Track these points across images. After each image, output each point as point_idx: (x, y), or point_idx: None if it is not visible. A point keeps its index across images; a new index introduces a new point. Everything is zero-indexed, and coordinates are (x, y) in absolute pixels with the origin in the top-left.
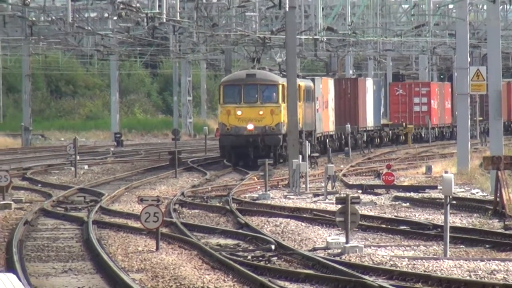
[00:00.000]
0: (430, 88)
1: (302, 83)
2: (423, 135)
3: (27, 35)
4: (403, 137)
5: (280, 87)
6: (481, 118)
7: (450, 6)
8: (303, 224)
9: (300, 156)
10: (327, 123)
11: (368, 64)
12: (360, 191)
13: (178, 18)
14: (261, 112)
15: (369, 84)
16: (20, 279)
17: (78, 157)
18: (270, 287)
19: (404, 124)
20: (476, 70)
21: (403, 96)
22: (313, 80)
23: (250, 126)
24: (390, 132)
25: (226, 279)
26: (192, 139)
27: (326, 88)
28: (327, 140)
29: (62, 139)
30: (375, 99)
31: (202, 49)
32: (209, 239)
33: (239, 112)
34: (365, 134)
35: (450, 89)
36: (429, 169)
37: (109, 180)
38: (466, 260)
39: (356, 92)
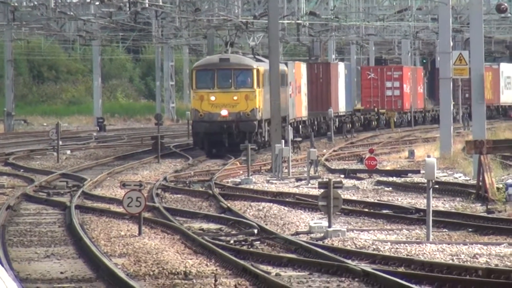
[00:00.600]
0: (402, 72)
1: None
2: (395, 120)
3: (9, 21)
4: (375, 123)
5: (255, 71)
6: (452, 103)
7: None
8: (285, 208)
9: (283, 140)
10: (300, 108)
11: (351, 49)
12: (342, 176)
13: (161, 3)
14: (235, 98)
15: (341, 68)
16: (2, 264)
17: (60, 142)
18: (253, 271)
19: (376, 109)
20: (458, 54)
21: (375, 80)
22: (286, 65)
23: (224, 112)
24: (362, 117)
25: (208, 264)
26: (174, 124)
27: (299, 72)
28: (300, 126)
29: (45, 124)
30: (347, 84)
31: (184, 34)
32: (192, 224)
33: (212, 98)
34: (337, 119)
35: (422, 73)
36: (411, 153)
37: (91, 165)
38: (448, 244)
39: (328, 77)
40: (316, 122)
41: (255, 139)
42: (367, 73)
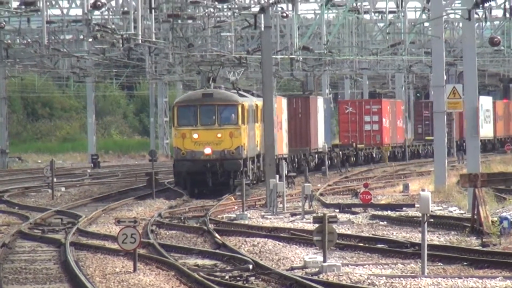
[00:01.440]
0: (381, 105)
1: (259, 102)
2: (374, 156)
3: (3, 58)
4: (353, 158)
5: (240, 107)
6: (432, 138)
7: (426, 24)
8: (280, 243)
9: (277, 175)
10: (281, 145)
11: (345, 83)
12: (337, 210)
13: (154, 39)
14: (219, 135)
15: (320, 103)
16: None
17: (55, 179)
18: None
19: (354, 144)
20: (452, 88)
21: (353, 115)
22: None
23: (208, 150)
24: (340, 153)
25: None
26: (169, 160)
27: (280, 107)
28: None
29: (39, 161)
30: (326, 119)
31: (178, 70)
32: (187, 260)
33: (195, 135)
34: (316, 156)
35: (402, 107)
36: (406, 187)
37: (86, 202)
38: (444, 278)
39: (307, 112)
40: (296, 159)
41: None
42: (345, 107)
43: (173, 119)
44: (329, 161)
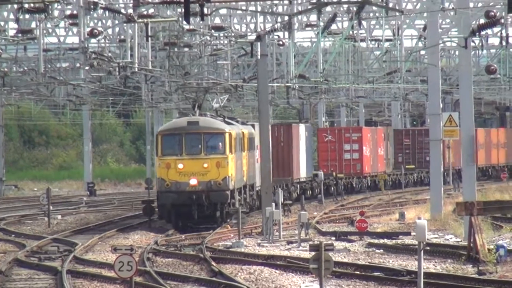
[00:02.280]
0: (362, 133)
1: (245, 130)
2: (354, 185)
3: None
4: (334, 188)
5: (227, 136)
6: (413, 166)
7: (422, 52)
8: (277, 271)
9: (274, 203)
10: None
11: (341, 111)
12: (333, 238)
13: (150, 67)
14: (205, 165)
15: (302, 130)
16: None
17: (51, 207)
18: None
19: (334, 173)
20: (448, 116)
21: (332, 143)
22: (253, 127)
23: (193, 181)
24: (321, 182)
25: None
26: None
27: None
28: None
29: (36, 189)
30: (307, 148)
31: (174, 98)
32: None
33: (180, 166)
34: (298, 186)
35: (382, 135)
36: (402, 215)
37: (82, 229)
38: None
39: (290, 140)
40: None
41: (228, 211)
42: (324, 135)
43: (157, 148)
44: (310, 191)
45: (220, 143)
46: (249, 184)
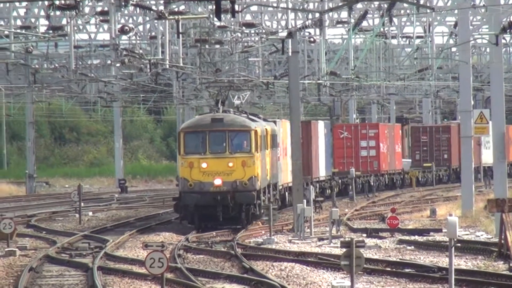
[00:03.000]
0: (378, 130)
1: (268, 127)
2: (371, 183)
3: (30, 83)
4: (352, 187)
5: (253, 133)
6: (430, 164)
7: (453, 49)
8: (308, 268)
9: (305, 200)
10: (286, 173)
11: (372, 108)
12: (364, 235)
13: (181, 64)
14: (230, 164)
15: (321, 128)
16: None
17: (82, 204)
18: None
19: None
20: (479, 113)
21: (348, 140)
22: (275, 123)
23: (218, 181)
24: (340, 181)
25: None
26: None
27: (286, 132)
28: (286, 194)
29: (67, 186)
30: (326, 145)
31: (205, 95)
32: (214, 284)
33: (204, 165)
34: (317, 185)
35: (400, 131)
36: (433, 212)
37: (113, 226)
38: None
39: (309, 138)
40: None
41: (254, 212)
42: (339, 131)
43: (179, 147)
44: (329, 190)
45: (245, 141)
46: (272, 183)
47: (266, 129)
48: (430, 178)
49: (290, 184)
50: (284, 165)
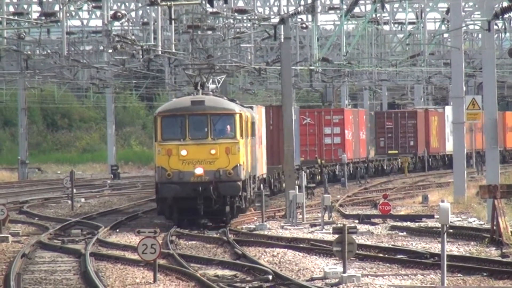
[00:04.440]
0: (344, 116)
1: (248, 113)
2: (337, 173)
3: (23, 69)
4: (319, 177)
5: (237, 117)
6: (396, 152)
7: (445, 35)
8: (300, 254)
9: (297, 186)
10: (261, 164)
11: (364, 94)
12: (357, 221)
13: (174, 50)
14: (213, 152)
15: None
16: None
17: (75, 190)
18: None
19: (319, 160)
20: (471, 99)
21: (311, 126)
22: (252, 109)
23: (199, 171)
24: (308, 170)
25: None
26: None
27: (261, 119)
28: (261, 185)
29: (59, 172)
30: (295, 131)
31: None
32: (207, 270)
33: (183, 152)
34: None
35: (364, 117)
36: (425, 198)
37: (106, 212)
38: None
39: (280, 124)
40: (272, 180)
41: (239, 205)
42: (302, 117)
43: (156, 132)
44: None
45: (229, 126)
46: (251, 175)
47: (246, 115)
48: (396, 166)
49: (264, 176)
50: (260, 155)
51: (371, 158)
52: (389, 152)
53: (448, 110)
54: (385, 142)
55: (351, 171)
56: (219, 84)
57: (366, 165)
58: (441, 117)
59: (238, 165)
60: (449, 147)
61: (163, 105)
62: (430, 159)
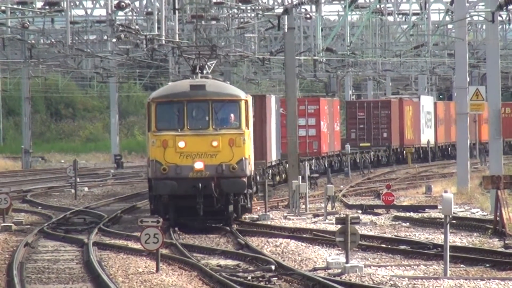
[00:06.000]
0: (319, 106)
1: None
2: (313, 167)
3: (27, 58)
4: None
5: (243, 104)
6: (368, 144)
7: (449, 26)
8: (303, 244)
9: (300, 176)
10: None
11: (368, 85)
12: (360, 211)
13: (177, 40)
14: (214, 143)
15: (273, 103)
16: None
17: (78, 179)
18: None
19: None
20: (475, 90)
21: (284, 117)
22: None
23: (199, 165)
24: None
25: None
26: None
27: (251, 108)
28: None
29: (62, 161)
30: (277, 124)
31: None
32: (209, 260)
33: (181, 144)
34: (270, 171)
35: (339, 107)
36: (429, 188)
37: (109, 202)
38: (466, 280)
39: (263, 115)
40: (257, 177)
41: (244, 204)
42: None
43: (149, 121)
44: (278, 177)
45: (233, 114)
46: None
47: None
48: (369, 159)
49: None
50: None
51: (344, 151)
52: (361, 144)
53: (424, 99)
54: (357, 134)
55: (326, 165)
56: (210, 70)
57: (339, 158)
58: (416, 107)
59: (243, 159)
60: (424, 139)
61: (158, 89)
62: (404, 152)
